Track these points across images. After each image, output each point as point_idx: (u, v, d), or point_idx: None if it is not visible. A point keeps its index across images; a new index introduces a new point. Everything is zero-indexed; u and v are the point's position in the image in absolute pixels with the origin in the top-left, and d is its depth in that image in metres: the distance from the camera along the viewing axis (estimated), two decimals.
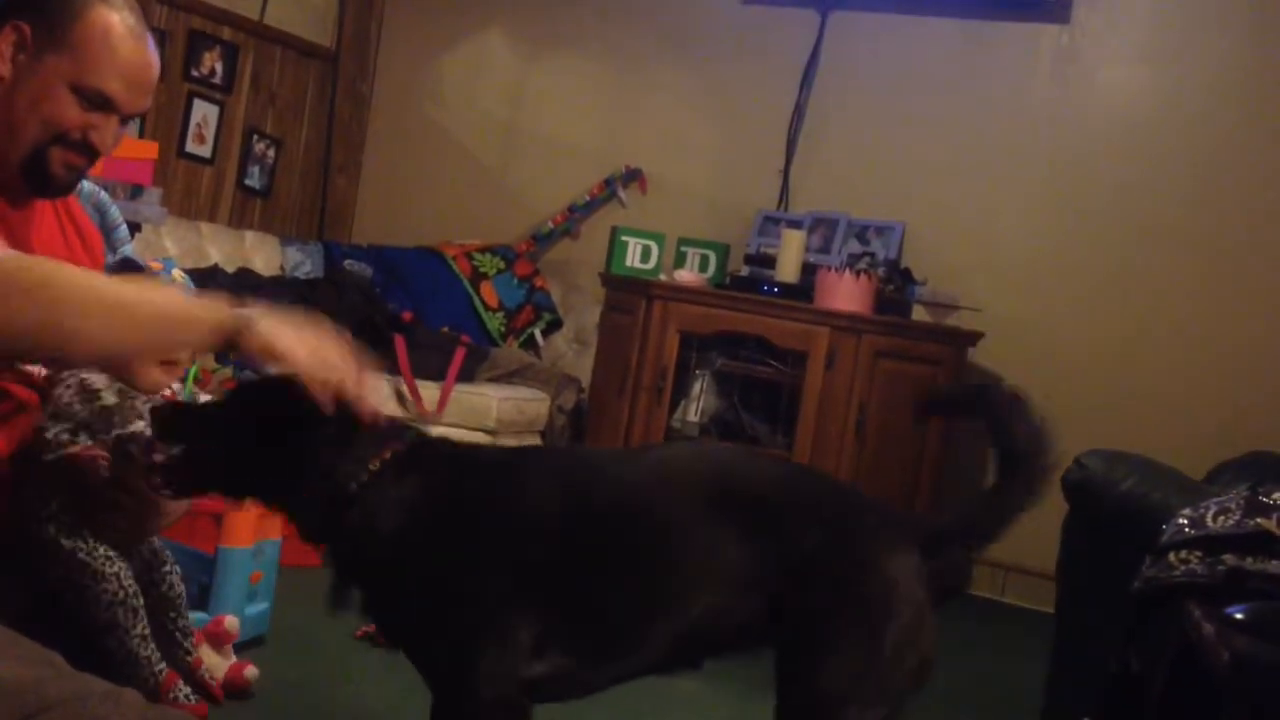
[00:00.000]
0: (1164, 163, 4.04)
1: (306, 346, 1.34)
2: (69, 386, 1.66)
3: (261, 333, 1.33)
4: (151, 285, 1.42)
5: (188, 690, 1.92)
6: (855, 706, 1.36)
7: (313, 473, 1.43)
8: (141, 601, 1.71)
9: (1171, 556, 1.79)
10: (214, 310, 1.35)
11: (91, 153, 1.53)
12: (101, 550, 1.67)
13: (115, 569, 1.68)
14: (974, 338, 3.84)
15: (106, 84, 1.48)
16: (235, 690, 2.23)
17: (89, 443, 1.65)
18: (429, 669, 1.47)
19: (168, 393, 1.66)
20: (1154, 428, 3.74)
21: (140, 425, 1.67)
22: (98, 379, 1.67)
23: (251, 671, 2.26)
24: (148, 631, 1.70)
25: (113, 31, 1.49)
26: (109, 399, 1.67)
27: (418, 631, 1.45)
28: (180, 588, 1.87)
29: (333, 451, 1.43)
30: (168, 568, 1.86)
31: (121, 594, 1.66)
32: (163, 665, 1.69)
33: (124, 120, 1.54)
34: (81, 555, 1.65)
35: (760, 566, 1.40)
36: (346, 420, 1.42)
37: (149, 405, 1.64)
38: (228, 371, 2.77)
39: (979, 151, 4.30)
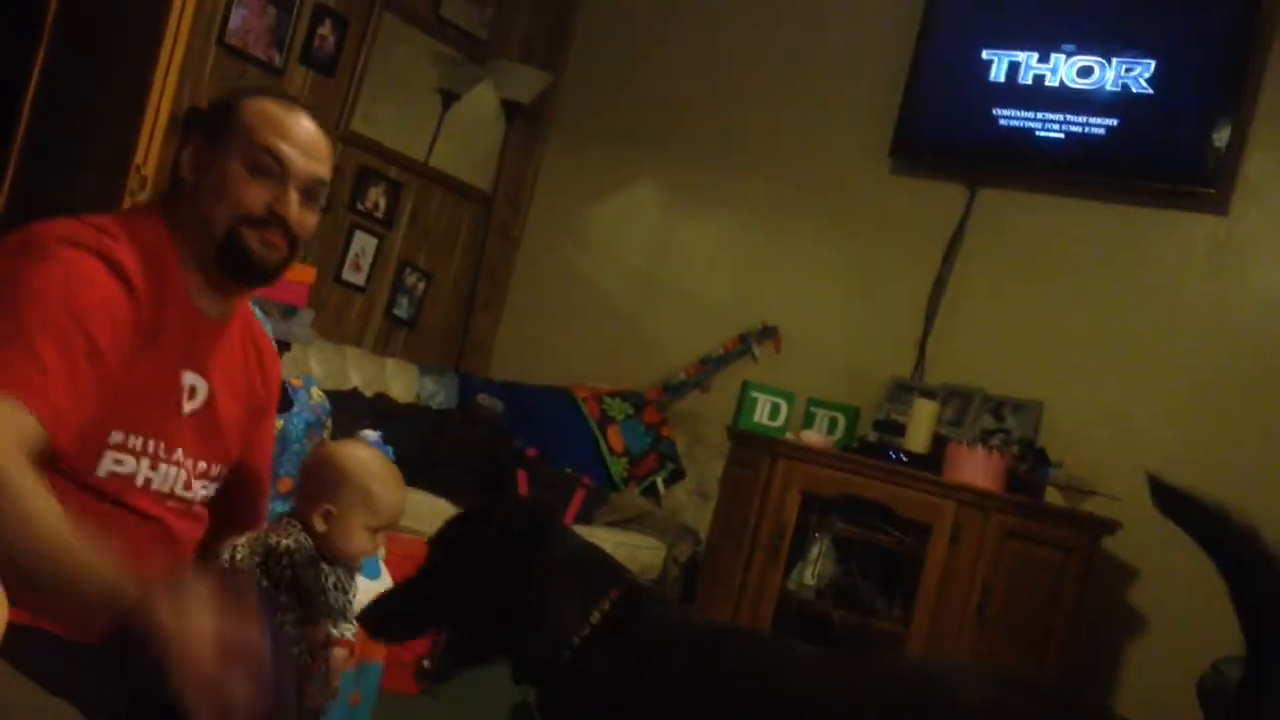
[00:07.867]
0: None
1: (200, 656, 1.09)
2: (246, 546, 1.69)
3: (158, 619, 1.11)
4: (90, 542, 1.23)
5: None
6: None
7: (535, 623, 1.51)
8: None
9: None
10: (125, 580, 1.18)
11: (286, 231, 1.58)
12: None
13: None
14: (1111, 526, 3.67)
15: (271, 143, 1.56)
16: None
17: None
18: None
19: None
20: None
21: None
22: (284, 540, 1.71)
23: None
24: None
25: (267, 106, 1.60)
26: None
27: None
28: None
29: (555, 594, 1.51)
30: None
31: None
32: None
33: (307, 194, 1.60)
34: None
35: None
36: (556, 554, 1.53)
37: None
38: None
39: (1125, 337, 4.19)
